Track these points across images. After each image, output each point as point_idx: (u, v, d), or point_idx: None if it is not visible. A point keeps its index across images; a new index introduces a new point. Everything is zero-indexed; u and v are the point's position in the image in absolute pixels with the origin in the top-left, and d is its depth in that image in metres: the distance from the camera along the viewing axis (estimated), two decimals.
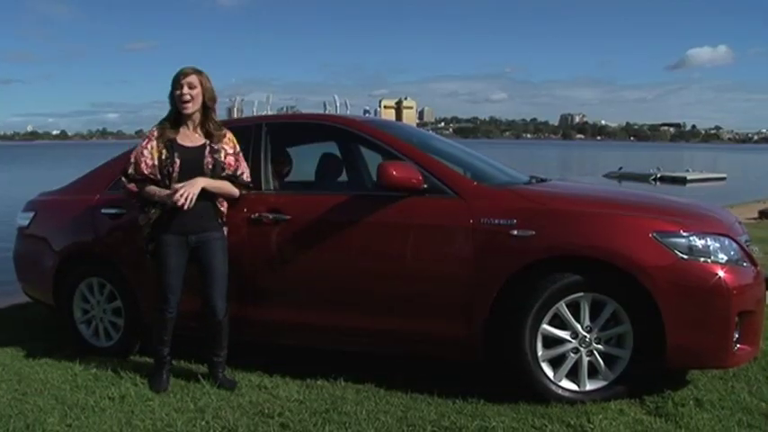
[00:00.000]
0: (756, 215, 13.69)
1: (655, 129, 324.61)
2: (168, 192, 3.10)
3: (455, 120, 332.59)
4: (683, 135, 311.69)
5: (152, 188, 3.16)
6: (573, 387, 2.96)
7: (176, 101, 3.17)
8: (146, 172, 3.15)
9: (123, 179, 3.22)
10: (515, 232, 2.95)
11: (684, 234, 2.86)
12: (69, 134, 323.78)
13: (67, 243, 3.97)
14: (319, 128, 3.94)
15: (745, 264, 2.96)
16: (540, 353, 2.95)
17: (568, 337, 2.95)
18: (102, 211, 3.85)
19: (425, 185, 3.13)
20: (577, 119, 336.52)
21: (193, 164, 3.15)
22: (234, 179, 3.26)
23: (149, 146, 3.17)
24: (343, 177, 4.00)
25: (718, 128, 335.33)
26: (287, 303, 3.41)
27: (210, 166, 3.18)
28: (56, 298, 4.06)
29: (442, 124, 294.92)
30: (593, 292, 2.90)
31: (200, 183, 3.13)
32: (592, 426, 2.66)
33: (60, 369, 3.61)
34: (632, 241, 2.85)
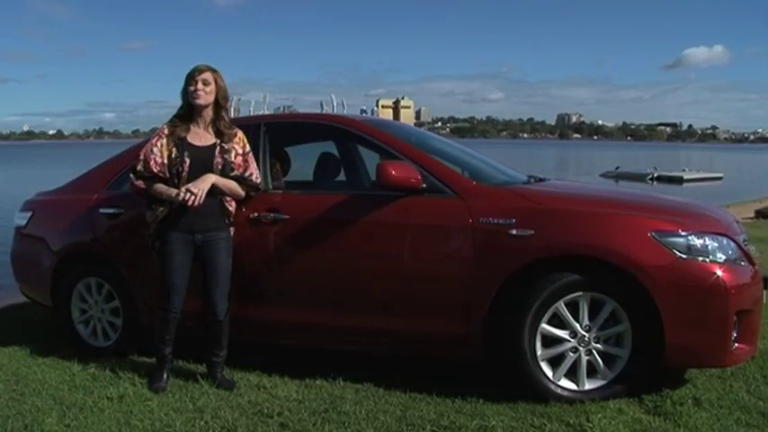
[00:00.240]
0: (753, 215, 13.74)
1: (651, 128, 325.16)
2: (177, 191, 3.07)
3: (452, 119, 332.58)
4: (680, 135, 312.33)
5: (160, 186, 3.14)
6: (572, 386, 2.96)
7: (189, 96, 3.15)
8: (155, 170, 3.13)
9: (131, 176, 3.20)
10: (514, 232, 2.95)
11: (683, 233, 2.87)
12: (66, 134, 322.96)
13: (65, 243, 3.96)
14: (318, 127, 3.94)
15: (743, 263, 2.97)
16: (539, 352, 2.96)
17: (567, 337, 2.95)
18: (101, 210, 3.84)
19: (424, 185, 3.13)
20: (574, 118, 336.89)
21: (203, 163, 3.13)
22: (242, 180, 3.24)
23: (159, 143, 3.15)
24: (342, 177, 4.00)
25: (714, 128, 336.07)
26: (286, 303, 3.41)
27: (220, 167, 3.17)
28: (54, 298, 4.05)
29: (439, 124, 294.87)
30: (592, 292, 2.90)
31: (211, 179, 3.11)
32: (591, 425, 2.66)
33: (58, 369, 3.61)
34: (631, 241, 2.86)
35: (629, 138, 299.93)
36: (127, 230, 3.78)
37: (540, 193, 3.28)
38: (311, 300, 3.35)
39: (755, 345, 3.06)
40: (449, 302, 3.08)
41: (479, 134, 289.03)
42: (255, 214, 3.38)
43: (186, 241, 3.16)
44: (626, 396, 2.93)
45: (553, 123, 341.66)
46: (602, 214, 2.99)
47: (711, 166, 50.44)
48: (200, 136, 3.19)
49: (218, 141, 3.20)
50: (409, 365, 3.40)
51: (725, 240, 2.95)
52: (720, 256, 2.88)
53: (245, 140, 3.29)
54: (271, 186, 3.53)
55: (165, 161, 3.13)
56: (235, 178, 3.21)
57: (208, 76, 3.14)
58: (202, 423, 2.81)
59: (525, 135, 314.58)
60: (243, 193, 3.26)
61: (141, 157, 3.17)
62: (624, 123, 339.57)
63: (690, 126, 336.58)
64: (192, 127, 3.19)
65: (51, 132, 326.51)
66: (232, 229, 3.30)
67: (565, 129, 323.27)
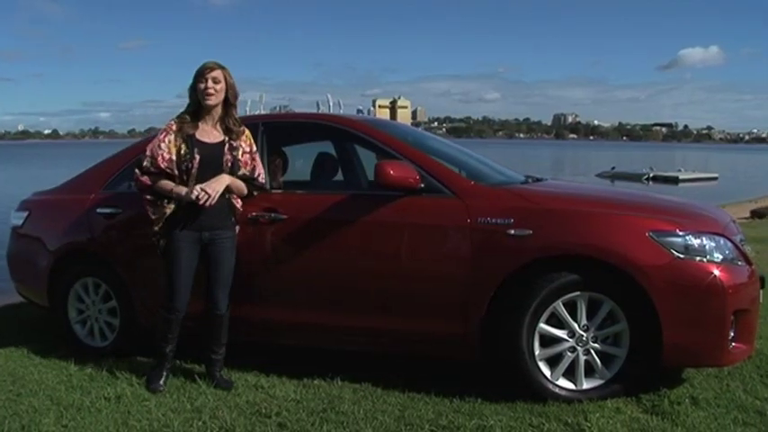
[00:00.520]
0: (748, 215, 13.81)
1: (647, 129, 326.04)
2: (187, 189, 3.05)
3: (448, 119, 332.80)
4: (675, 135, 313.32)
5: (167, 183, 3.10)
6: (570, 386, 2.97)
7: (199, 94, 3.12)
8: (162, 166, 3.09)
9: (137, 171, 3.16)
10: (512, 232, 2.95)
11: (680, 233, 2.88)
12: (61, 133, 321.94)
13: (62, 243, 3.95)
14: (316, 127, 3.93)
15: (740, 263, 2.98)
16: (537, 352, 2.96)
17: (565, 336, 2.96)
18: (98, 210, 3.83)
19: (422, 185, 3.14)
20: (570, 119, 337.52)
21: (212, 160, 3.11)
22: (251, 180, 3.22)
23: (167, 139, 3.11)
24: (339, 177, 4.00)
25: (709, 128, 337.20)
26: (284, 303, 3.40)
27: (229, 164, 3.15)
28: (50, 298, 4.04)
29: (435, 124, 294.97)
30: (590, 291, 2.91)
31: (226, 180, 3.10)
32: (589, 424, 2.67)
33: (55, 369, 3.59)
34: (629, 240, 2.87)
35: (624, 138, 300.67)
36: (124, 230, 3.77)
37: (538, 193, 3.29)
38: (309, 300, 3.35)
39: (752, 344, 3.08)
40: (447, 302, 3.08)
41: (475, 134, 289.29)
42: (254, 214, 3.37)
43: (193, 239, 3.14)
44: (624, 395, 2.94)
45: (549, 123, 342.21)
46: (599, 214, 2.99)
47: (707, 167, 50.61)
48: (209, 133, 3.17)
49: (227, 139, 3.18)
50: (407, 365, 3.40)
51: (722, 240, 2.96)
52: (718, 256, 2.89)
53: (252, 139, 3.27)
54: (269, 186, 3.53)
55: (173, 157, 3.09)
56: (243, 178, 3.20)
57: (218, 73, 3.12)
58: (200, 423, 2.80)
59: (521, 135, 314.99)
60: (245, 192, 3.25)
61: (148, 153, 3.13)
62: (620, 123, 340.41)
63: (685, 126, 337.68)
64: (200, 124, 3.16)
65: (47, 132, 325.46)
66: (237, 228, 3.29)
67: (561, 129, 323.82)
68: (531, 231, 2.94)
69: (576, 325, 2.94)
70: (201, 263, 3.21)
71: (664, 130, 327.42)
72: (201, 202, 3.01)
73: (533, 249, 2.93)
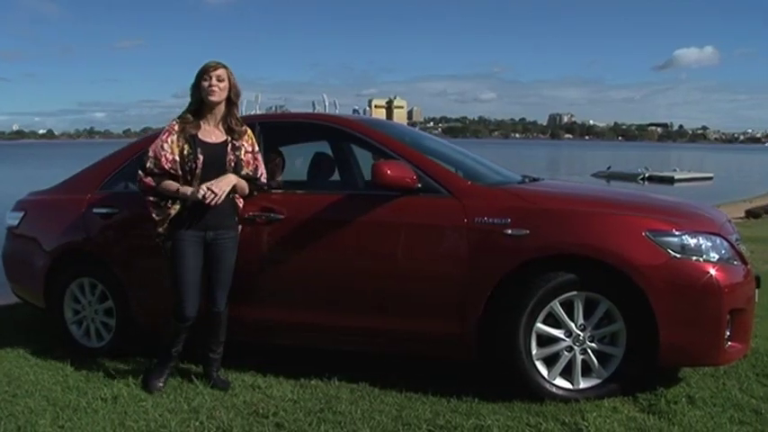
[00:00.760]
0: (743, 214, 13.87)
1: (642, 129, 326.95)
2: (192, 189, 3.02)
3: (444, 119, 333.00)
4: (671, 135, 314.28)
5: (171, 183, 3.07)
6: (567, 385, 2.97)
7: (203, 91, 3.09)
8: (166, 167, 3.06)
9: (140, 173, 3.13)
10: (509, 231, 2.96)
11: (677, 233, 2.89)
12: (56, 133, 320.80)
13: (58, 243, 3.93)
14: (313, 127, 3.93)
15: (735, 262, 2.99)
16: (534, 351, 2.97)
17: (562, 336, 2.96)
18: (94, 210, 3.82)
19: (419, 185, 3.14)
20: (566, 119, 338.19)
21: (215, 161, 3.10)
22: (254, 180, 3.20)
23: (169, 140, 3.08)
24: (336, 177, 4.00)
25: (704, 128, 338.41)
26: (282, 303, 3.40)
27: (233, 164, 3.13)
28: (46, 298, 4.02)
29: (431, 124, 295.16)
30: (587, 291, 2.92)
31: (232, 180, 3.09)
32: (586, 423, 2.67)
33: (51, 370, 3.58)
34: (625, 240, 2.87)
35: (620, 138, 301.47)
36: (120, 230, 3.76)
37: (535, 193, 3.29)
38: (306, 300, 3.35)
39: (748, 343, 3.09)
40: (444, 302, 3.09)
41: (471, 134, 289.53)
42: (251, 213, 3.36)
43: (198, 239, 3.12)
44: (620, 395, 2.94)
45: (545, 123, 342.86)
46: (596, 214, 3.00)
47: (702, 167, 50.80)
48: (212, 133, 3.15)
49: (229, 139, 3.16)
50: (405, 365, 3.40)
51: (718, 240, 2.97)
52: (714, 256, 2.90)
53: (254, 139, 3.26)
54: (266, 186, 3.52)
55: (177, 158, 3.06)
56: (246, 178, 3.18)
57: (222, 72, 3.10)
58: (197, 423, 2.80)
59: (517, 135, 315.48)
60: (247, 192, 3.24)
61: (150, 154, 3.09)
62: (615, 123, 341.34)
63: (680, 126, 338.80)
64: (202, 124, 3.14)
65: (41, 132, 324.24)
66: (240, 227, 3.28)
67: (556, 129, 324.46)
68: (527, 231, 2.94)
69: (572, 324, 2.95)
70: (203, 262, 3.19)
71: (659, 130, 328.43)
72: (208, 201, 2.99)
73: (530, 249, 2.94)
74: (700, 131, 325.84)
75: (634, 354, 2.91)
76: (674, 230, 2.90)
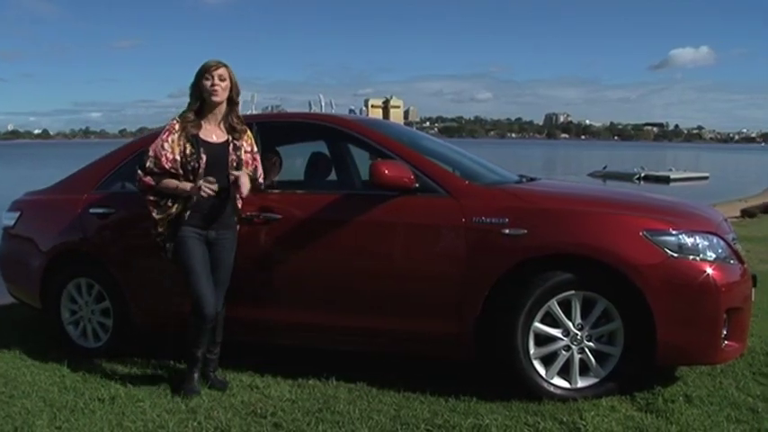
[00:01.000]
0: (739, 214, 13.92)
1: (638, 128, 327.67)
2: (192, 185, 2.99)
3: (440, 119, 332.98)
4: (666, 135, 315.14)
5: (170, 181, 3.05)
6: (565, 384, 2.98)
7: (204, 91, 3.06)
8: (166, 166, 3.03)
9: (139, 172, 3.09)
10: (507, 231, 2.96)
11: (674, 232, 2.90)
12: (51, 133, 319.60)
13: (55, 243, 3.92)
14: (311, 127, 3.93)
15: (732, 261, 3.00)
16: (532, 351, 2.97)
17: (560, 335, 2.97)
18: (90, 210, 3.81)
19: (417, 184, 3.14)
20: (562, 118, 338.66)
21: (218, 160, 3.08)
22: (254, 180, 3.18)
23: (170, 139, 3.05)
24: (333, 177, 3.99)
25: (700, 128, 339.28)
26: (279, 303, 3.40)
27: (235, 164, 3.12)
28: (43, 299, 4.01)
29: (427, 124, 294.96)
30: (585, 290, 2.92)
31: (247, 180, 3.07)
32: (584, 422, 2.68)
33: (48, 371, 3.57)
34: (623, 239, 2.88)
35: (616, 137, 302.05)
36: (117, 230, 3.76)
37: (533, 193, 3.30)
38: (304, 300, 3.35)
39: (745, 342, 3.10)
40: (442, 302, 3.09)
41: (467, 134, 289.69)
42: (248, 213, 3.36)
43: (201, 237, 3.09)
44: (618, 394, 2.95)
45: (541, 123, 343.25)
46: (594, 213, 3.01)
47: (697, 166, 50.96)
48: (213, 132, 3.13)
49: (231, 138, 3.15)
50: (403, 365, 3.40)
51: (715, 239, 2.98)
52: (711, 255, 2.91)
53: (253, 139, 3.25)
54: (263, 186, 3.52)
55: (177, 157, 3.04)
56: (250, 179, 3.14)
57: (223, 71, 3.08)
58: (195, 424, 2.79)
59: (513, 135, 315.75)
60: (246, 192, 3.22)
61: (151, 153, 3.06)
62: (611, 123, 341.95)
63: (676, 126, 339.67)
64: (203, 123, 3.12)
65: (37, 132, 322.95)
66: (238, 227, 3.27)
67: (553, 128, 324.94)
68: (525, 231, 2.95)
69: (570, 324, 2.96)
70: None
71: (655, 129, 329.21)
72: (204, 194, 2.96)
73: (528, 249, 2.94)
74: (695, 131, 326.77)
75: (631, 353, 2.91)
76: (671, 230, 2.91)
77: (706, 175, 38.71)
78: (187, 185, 3.02)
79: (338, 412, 2.88)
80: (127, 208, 3.73)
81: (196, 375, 3.18)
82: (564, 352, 2.97)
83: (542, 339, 2.98)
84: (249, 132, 3.23)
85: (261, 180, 3.26)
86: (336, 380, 3.26)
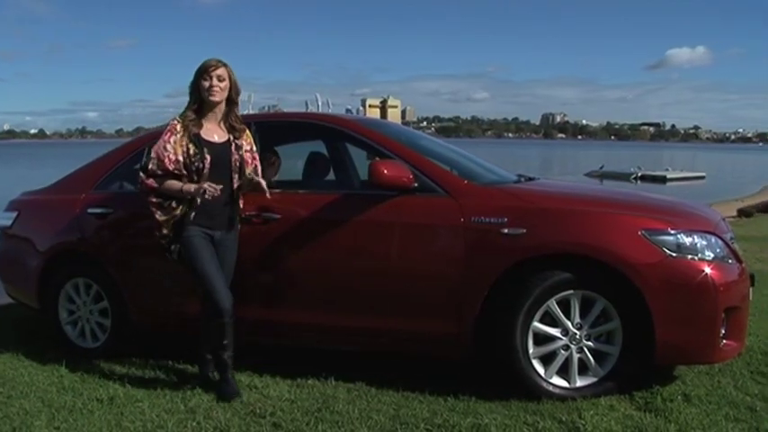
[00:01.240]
0: (735, 213, 13.96)
1: (635, 128, 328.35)
2: (196, 186, 2.95)
3: (437, 119, 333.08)
4: (663, 134, 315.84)
5: (174, 182, 3.00)
6: (564, 384, 2.98)
7: (203, 91, 3.03)
8: (170, 168, 2.99)
9: (141, 175, 3.05)
10: (506, 231, 2.96)
11: (672, 232, 2.90)
12: (48, 133, 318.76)
13: (53, 243, 3.91)
14: (310, 127, 3.92)
15: (730, 261, 3.00)
16: (531, 350, 2.97)
17: (559, 335, 2.97)
18: (88, 210, 3.80)
19: (416, 184, 3.14)
20: (558, 118, 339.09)
21: (221, 160, 3.05)
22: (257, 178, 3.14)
23: (172, 140, 3.00)
24: (331, 176, 3.99)
25: (696, 127, 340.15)
26: (278, 303, 3.39)
27: (238, 163, 3.10)
28: (41, 299, 4.00)
29: (424, 123, 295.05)
30: (583, 290, 2.92)
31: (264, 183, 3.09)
32: (583, 422, 2.68)
33: (46, 371, 3.56)
34: (621, 239, 2.88)
35: (612, 137, 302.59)
36: (115, 230, 3.75)
37: (532, 192, 3.30)
38: (303, 300, 3.34)
39: (743, 341, 3.11)
40: (441, 302, 3.09)
41: (464, 134, 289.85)
42: (247, 213, 3.35)
43: (207, 236, 3.06)
44: (617, 393, 2.95)
45: (538, 123, 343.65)
46: (592, 213, 3.01)
47: (694, 166, 51.09)
48: (214, 132, 3.10)
49: (231, 138, 3.12)
50: (402, 364, 3.40)
51: (713, 238, 2.98)
52: (709, 254, 2.91)
53: (252, 138, 3.24)
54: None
55: (180, 158, 2.99)
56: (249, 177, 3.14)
57: (222, 71, 3.04)
58: (194, 424, 2.79)
59: (510, 135, 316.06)
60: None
61: (153, 155, 3.01)
62: (608, 123, 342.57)
63: (673, 126, 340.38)
64: (204, 123, 3.09)
65: (33, 132, 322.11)
66: (239, 226, 3.26)
67: (549, 128, 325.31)
68: (524, 230, 2.95)
69: (569, 323, 2.96)
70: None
71: (651, 129, 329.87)
72: (208, 196, 2.92)
73: (527, 248, 2.94)
74: (692, 131, 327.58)
75: (630, 352, 2.92)
76: (669, 229, 2.91)
77: (702, 174, 38.85)
78: (191, 187, 2.98)
79: (337, 412, 2.88)
80: (125, 208, 3.73)
81: (230, 378, 3.12)
82: (563, 351, 2.98)
83: (541, 339, 2.98)
84: (248, 131, 3.22)
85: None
86: (335, 380, 3.26)
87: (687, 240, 2.90)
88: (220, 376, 3.15)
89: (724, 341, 2.92)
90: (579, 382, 2.97)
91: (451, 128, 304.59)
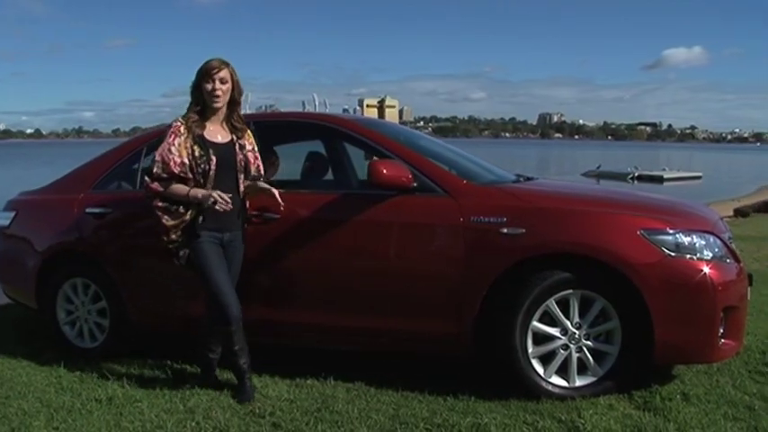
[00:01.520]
0: (732, 213, 14.00)
1: (632, 128, 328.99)
2: (204, 192, 2.91)
3: (434, 119, 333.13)
4: (660, 134, 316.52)
5: (180, 187, 2.94)
6: (563, 383, 2.98)
7: (206, 95, 2.98)
8: (176, 171, 2.93)
9: (147, 179, 3.00)
10: (505, 230, 2.96)
11: (671, 231, 2.91)
12: (44, 133, 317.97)
13: (51, 243, 3.90)
14: (308, 127, 3.92)
15: (729, 260, 3.01)
16: (530, 350, 2.97)
17: (558, 334, 2.97)
18: (87, 210, 3.79)
19: (415, 184, 3.13)
20: (556, 118, 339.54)
21: (226, 161, 3.01)
22: (259, 179, 3.14)
23: (176, 142, 2.94)
24: (329, 176, 3.99)
25: (693, 127, 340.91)
26: (278, 303, 3.38)
27: (243, 164, 3.07)
28: (39, 299, 3.99)
29: (421, 123, 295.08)
30: (583, 289, 2.93)
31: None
32: (583, 421, 2.69)
33: (44, 371, 3.55)
34: (620, 239, 2.89)
35: (609, 137, 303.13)
36: (114, 230, 3.74)
37: (531, 192, 3.31)
38: (304, 300, 3.34)
39: (741, 340, 3.11)
40: (441, 301, 3.09)
41: (461, 133, 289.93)
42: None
43: (216, 240, 3.02)
44: (616, 392, 2.96)
45: (535, 123, 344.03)
46: (591, 213, 3.01)
47: (691, 166, 51.20)
48: (217, 132, 3.06)
49: (235, 138, 3.09)
50: (401, 364, 3.40)
51: (711, 238, 2.99)
52: (708, 254, 2.92)
53: (253, 137, 3.20)
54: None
55: (186, 161, 2.94)
56: (254, 179, 3.12)
57: (225, 73, 2.99)
58: (194, 424, 2.78)
59: (507, 134, 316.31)
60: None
61: (158, 158, 2.96)
62: (605, 123, 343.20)
63: (669, 126, 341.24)
64: (207, 124, 3.04)
65: (29, 131, 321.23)
66: (246, 226, 3.23)
67: (546, 128, 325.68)
68: (523, 230, 2.95)
69: (568, 323, 2.96)
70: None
71: (648, 129, 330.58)
72: (220, 208, 2.87)
73: (526, 248, 2.94)
74: (688, 131, 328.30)
75: (629, 351, 2.92)
76: (668, 229, 2.92)
77: (699, 174, 38.94)
78: (199, 193, 2.91)
79: (337, 412, 2.88)
80: (123, 208, 3.72)
81: (247, 382, 3.09)
82: (562, 351, 2.98)
83: (540, 338, 2.99)
84: (249, 131, 3.19)
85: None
86: (335, 379, 3.26)
87: (686, 240, 2.91)
88: (238, 382, 3.13)
89: (722, 340, 2.93)
90: (578, 382, 2.98)
91: (448, 128, 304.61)
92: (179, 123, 3.01)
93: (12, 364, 3.72)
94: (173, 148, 2.95)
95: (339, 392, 3.12)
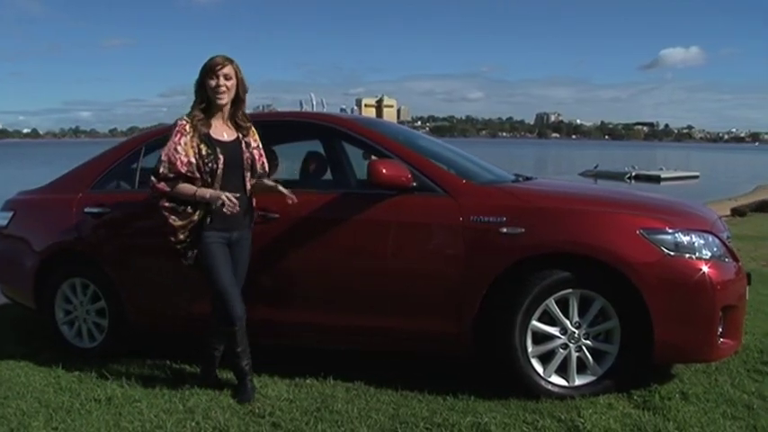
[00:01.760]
0: (729, 212, 14.04)
1: (629, 128, 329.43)
2: (211, 192, 2.88)
3: (432, 118, 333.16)
4: (657, 134, 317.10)
5: (188, 186, 2.90)
6: (562, 382, 2.99)
7: (210, 91, 2.95)
8: (182, 170, 2.88)
9: (153, 179, 2.94)
10: (505, 230, 2.97)
11: (670, 231, 2.91)
12: (41, 132, 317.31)
13: (49, 243, 3.89)
14: (308, 126, 3.91)
15: (727, 259, 3.02)
16: (529, 349, 2.98)
17: (558, 334, 2.98)
18: (85, 210, 3.78)
19: (415, 183, 3.14)
20: (553, 118, 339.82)
21: (233, 160, 2.98)
22: (265, 176, 3.12)
23: (182, 141, 2.90)
24: (328, 176, 3.98)
25: (690, 127, 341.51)
26: (278, 303, 3.38)
27: (249, 161, 3.04)
28: (37, 299, 3.98)
29: (419, 123, 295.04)
30: (582, 289, 2.93)
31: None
32: (582, 420, 2.69)
33: (43, 372, 3.54)
34: (620, 238, 2.89)
35: (606, 137, 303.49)
36: (112, 230, 3.73)
37: (530, 192, 3.31)
38: (304, 299, 3.34)
39: (740, 339, 3.12)
40: (440, 301, 3.09)
41: (459, 133, 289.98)
42: None
43: (224, 240, 3.00)
44: (615, 391, 2.97)
45: (532, 122, 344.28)
46: (591, 212, 3.02)
47: (688, 165, 51.33)
48: (223, 130, 3.03)
49: (240, 136, 3.06)
50: (401, 364, 3.40)
51: (710, 237, 3.00)
52: (706, 253, 2.92)
53: (257, 134, 3.17)
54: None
55: (193, 160, 2.89)
56: (260, 176, 3.11)
57: (229, 70, 2.94)
58: (194, 424, 2.78)
59: (504, 134, 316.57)
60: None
61: (164, 158, 2.90)
62: (602, 123, 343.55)
63: (666, 125, 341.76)
64: (212, 122, 3.01)
65: (26, 131, 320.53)
66: (253, 224, 3.21)
67: (544, 128, 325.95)
68: (523, 229, 2.95)
69: (568, 322, 2.97)
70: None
71: (645, 129, 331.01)
72: (227, 210, 2.84)
73: (525, 247, 2.95)
74: (685, 131, 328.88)
75: (628, 350, 2.93)
76: (667, 228, 2.92)
77: (696, 174, 39.03)
78: (207, 193, 2.88)
79: (336, 411, 2.88)
80: (122, 207, 3.71)
81: (249, 384, 3.08)
82: (561, 350, 2.98)
83: (540, 338, 2.99)
84: (253, 128, 3.16)
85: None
86: (334, 379, 3.26)
87: (685, 239, 2.91)
88: (238, 382, 3.12)
89: (721, 339, 2.94)
90: (578, 381, 2.98)
91: (446, 127, 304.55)
92: (184, 122, 2.96)
93: (10, 364, 3.71)
94: (179, 148, 2.91)
95: (339, 392, 3.12)
